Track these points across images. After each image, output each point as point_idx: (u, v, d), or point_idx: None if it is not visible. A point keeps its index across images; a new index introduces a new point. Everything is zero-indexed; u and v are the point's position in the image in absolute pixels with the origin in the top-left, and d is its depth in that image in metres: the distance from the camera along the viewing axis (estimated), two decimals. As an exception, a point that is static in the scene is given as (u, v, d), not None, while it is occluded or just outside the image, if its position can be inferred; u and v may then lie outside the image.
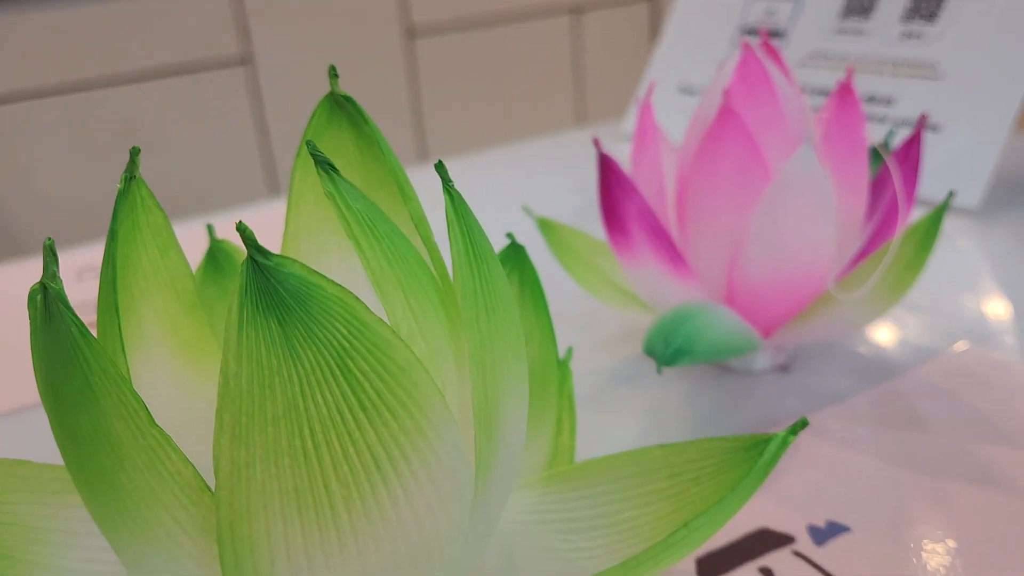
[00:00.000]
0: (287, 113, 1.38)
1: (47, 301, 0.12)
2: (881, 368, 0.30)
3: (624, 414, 0.30)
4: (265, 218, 0.50)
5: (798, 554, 0.23)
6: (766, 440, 0.17)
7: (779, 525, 0.24)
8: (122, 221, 0.15)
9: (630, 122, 0.60)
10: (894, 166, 0.27)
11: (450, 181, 0.15)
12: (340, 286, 0.12)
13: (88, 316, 0.39)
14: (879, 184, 0.29)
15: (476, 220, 0.15)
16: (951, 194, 0.27)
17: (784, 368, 0.31)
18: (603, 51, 1.49)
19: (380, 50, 1.38)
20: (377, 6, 1.37)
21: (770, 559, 0.23)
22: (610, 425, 0.29)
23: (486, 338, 0.15)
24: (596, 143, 0.29)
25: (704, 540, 0.17)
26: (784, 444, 0.17)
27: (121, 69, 1.27)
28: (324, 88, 1.15)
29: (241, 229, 0.11)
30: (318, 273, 0.12)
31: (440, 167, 0.15)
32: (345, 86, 0.17)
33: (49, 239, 0.13)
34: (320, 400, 0.12)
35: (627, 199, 0.28)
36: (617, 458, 0.19)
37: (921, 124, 0.28)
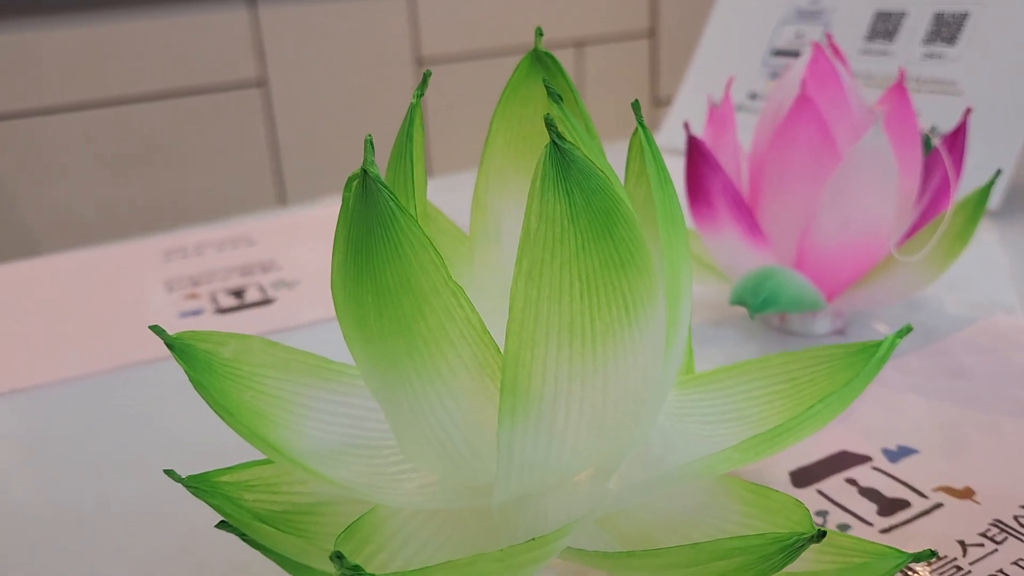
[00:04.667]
0: (298, 133, 1.42)
1: (366, 182, 0.16)
2: (928, 334, 0.34)
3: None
4: (273, 224, 0.54)
5: (877, 469, 0.26)
6: (875, 344, 0.21)
7: (857, 448, 0.28)
8: (415, 124, 0.19)
9: (663, 136, 0.64)
10: (944, 149, 0.32)
11: (642, 119, 0.19)
12: (603, 172, 0.16)
13: (227, 280, 0.43)
14: (929, 168, 0.33)
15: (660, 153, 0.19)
16: (998, 172, 0.31)
17: (841, 332, 0.35)
18: (604, 83, 1.54)
19: (390, 76, 1.43)
20: (388, 36, 1.42)
21: (853, 472, 0.26)
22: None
23: (673, 249, 0.18)
24: (686, 126, 0.33)
25: (820, 426, 0.20)
26: (892, 345, 0.21)
27: (143, 88, 1.31)
28: (334, 110, 1.20)
29: (548, 122, 0.15)
30: (591, 160, 0.15)
31: (636, 106, 0.19)
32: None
33: (368, 135, 0.17)
34: (593, 252, 0.15)
35: (713, 175, 0.32)
36: (742, 365, 0.23)
37: (966, 115, 0.32)
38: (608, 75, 1.55)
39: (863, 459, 0.27)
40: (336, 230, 0.17)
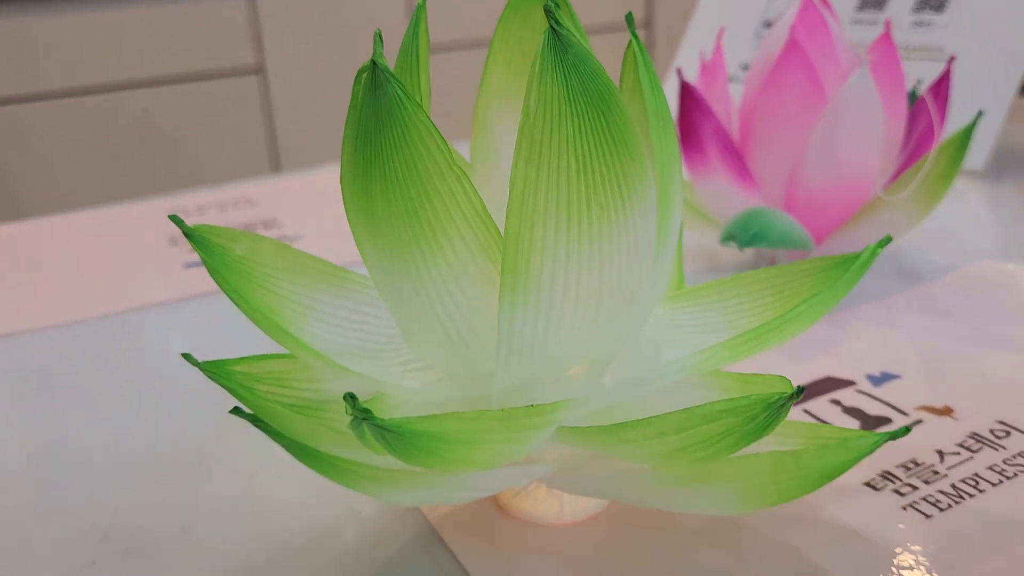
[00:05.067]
0: (294, 120, 1.43)
1: (375, 74, 0.17)
2: (913, 278, 0.35)
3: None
4: (273, 187, 0.55)
5: (860, 391, 0.28)
6: (856, 254, 0.22)
7: (841, 374, 0.29)
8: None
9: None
10: (928, 96, 0.33)
11: (635, 30, 0.20)
12: (597, 61, 0.17)
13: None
14: (914, 117, 0.34)
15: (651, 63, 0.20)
16: (980, 113, 0.32)
17: (829, 277, 0.36)
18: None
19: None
20: (386, 25, 1.43)
21: (838, 394, 0.27)
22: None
23: (664, 150, 0.19)
24: (679, 72, 0.34)
25: (804, 327, 0.21)
26: (874, 253, 0.22)
27: (141, 74, 1.32)
28: (330, 99, 1.21)
29: (547, 8, 0.16)
30: (587, 48, 0.16)
31: (629, 17, 0.20)
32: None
33: (378, 29, 0.18)
34: (592, 134, 0.16)
35: (705, 120, 0.33)
36: (731, 280, 0.24)
37: (950, 63, 0.33)
38: (604, 64, 1.56)
39: (847, 383, 0.28)
40: (345, 126, 0.18)
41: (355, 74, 0.17)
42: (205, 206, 0.50)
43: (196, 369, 0.32)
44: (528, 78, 0.16)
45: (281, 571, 0.21)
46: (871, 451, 0.18)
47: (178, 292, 0.38)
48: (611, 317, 0.18)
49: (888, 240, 0.22)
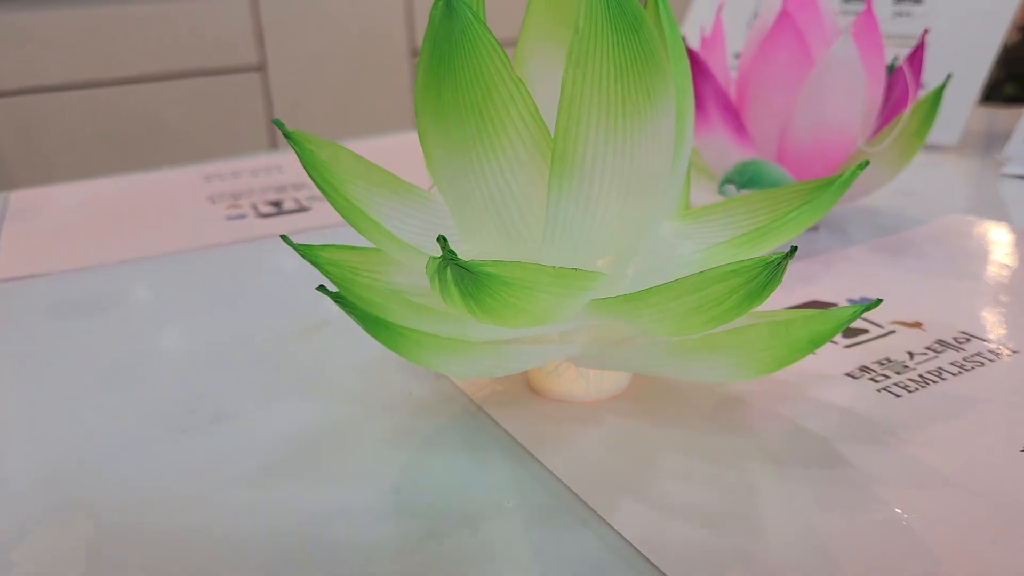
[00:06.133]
0: (295, 117, 1.47)
1: (450, 1, 0.21)
2: (890, 231, 0.40)
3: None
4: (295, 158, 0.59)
5: (842, 311, 0.31)
6: (838, 175, 0.26)
7: (824, 298, 0.33)
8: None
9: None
10: (905, 64, 0.37)
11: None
12: (634, -10, 0.21)
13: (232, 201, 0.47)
14: (891, 84, 0.38)
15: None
16: (949, 76, 0.36)
17: (815, 228, 0.40)
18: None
19: (387, 66, 1.47)
20: (385, 26, 1.47)
21: (822, 313, 0.31)
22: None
23: (680, 72, 0.23)
24: (684, 39, 0.38)
25: (797, 230, 0.25)
26: (853, 174, 0.26)
27: (146, 69, 1.35)
28: (328, 96, 1.24)
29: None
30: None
31: (651, -35, 0.24)
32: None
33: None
34: (627, 47, 0.20)
35: (706, 83, 0.37)
36: (732, 201, 0.28)
37: (924, 35, 0.38)
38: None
39: (829, 305, 0.32)
40: (422, 43, 0.22)
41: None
42: (239, 172, 0.54)
43: (257, 288, 0.36)
44: (576, 2, 0.20)
45: (346, 435, 0.25)
46: (851, 320, 0.22)
47: (227, 238, 0.42)
48: (637, 207, 0.22)
49: (866, 163, 0.26)
